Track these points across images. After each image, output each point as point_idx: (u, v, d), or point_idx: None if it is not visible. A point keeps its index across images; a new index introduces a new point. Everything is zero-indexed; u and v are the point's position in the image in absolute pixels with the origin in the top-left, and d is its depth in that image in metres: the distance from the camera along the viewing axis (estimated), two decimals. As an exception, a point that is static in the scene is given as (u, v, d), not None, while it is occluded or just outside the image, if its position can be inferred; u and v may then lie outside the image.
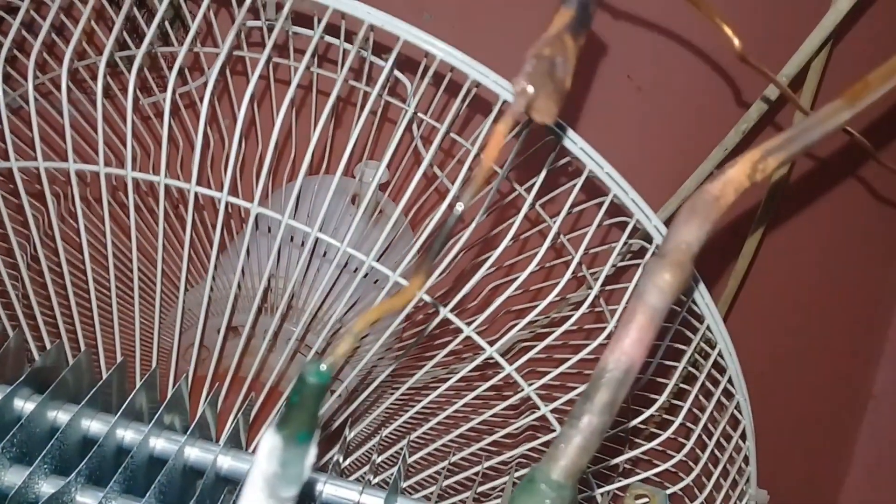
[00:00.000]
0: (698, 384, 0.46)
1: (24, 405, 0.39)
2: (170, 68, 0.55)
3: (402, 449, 0.41)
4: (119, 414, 0.39)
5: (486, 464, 0.44)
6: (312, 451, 0.20)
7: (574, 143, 0.42)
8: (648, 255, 0.45)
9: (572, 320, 0.42)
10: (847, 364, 0.98)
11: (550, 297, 0.40)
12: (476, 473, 0.43)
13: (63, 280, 0.42)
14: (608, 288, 0.47)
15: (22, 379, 0.40)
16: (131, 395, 0.41)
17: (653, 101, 0.75)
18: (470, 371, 0.41)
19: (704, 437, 0.47)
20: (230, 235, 0.60)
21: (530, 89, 0.24)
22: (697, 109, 0.77)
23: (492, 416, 0.42)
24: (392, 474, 0.42)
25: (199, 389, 0.50)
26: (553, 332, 0.42)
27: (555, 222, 0.43)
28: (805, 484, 1.06)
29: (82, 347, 0.45)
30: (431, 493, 0.39)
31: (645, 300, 0.24)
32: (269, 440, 0.20)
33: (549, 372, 0.44)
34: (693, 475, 0.45)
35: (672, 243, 0.24)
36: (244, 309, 0.59)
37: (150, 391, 0.43)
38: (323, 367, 0.19)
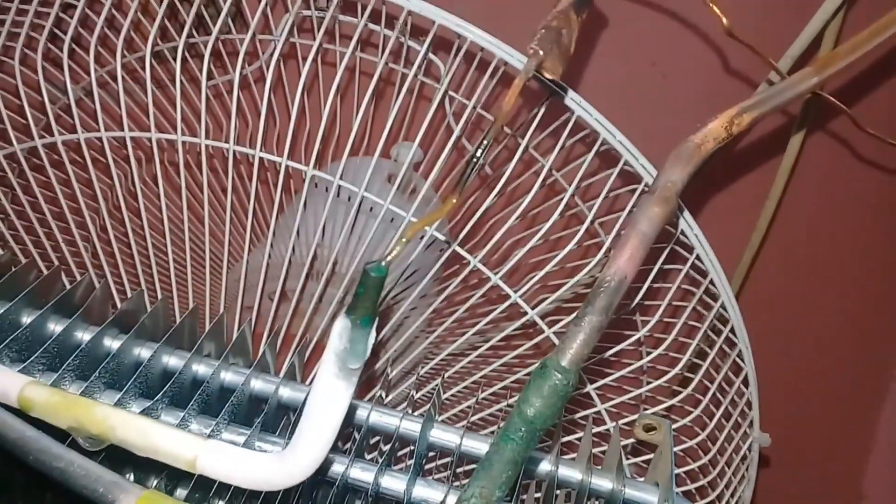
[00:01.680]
0: (700, 333, 0.51)
1: (112, 343, 0.46)
2: (230, 53, 0.61)
3: (436, 386, 0.46)
4: (193, 351, 0.46)
5: (511, 399, 0.49)
6: (373, 333, 0.26)
7: (576, 103, 0.47)
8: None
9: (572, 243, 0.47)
10: (868, 342, 0.99)
11: (569, 247, 0.46)
12: (500, 410, 0.48)
13: (143, 234, 0.48)
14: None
15: (109, 320, 0.46)
16: (203, 336, 0.47)
17: (677, 88, 0.79)
18: (498, 316, 0.46)
19: (707, 382, 0.52)
20: (280, 209, 0.66)
21: (540, 52, 0.29)
22: (721, 94, 0.79)
23: (514, 357, 0.48)
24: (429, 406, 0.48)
25: (257, 343, 0.56)
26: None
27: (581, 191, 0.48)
28: (827, 463, 1.07)
29: (159, 296, 0.51)
30: (463, 425, 0.45)
31: (637, 227, 0.29)
32: (339, 323, 0.26)
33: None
34: (694, 414, 0.50)
35: (660, 182, 0.30)
36: (293, 276, 0.65)
37: (218, 335, 0.49)
38: (383, 263, 0.25)
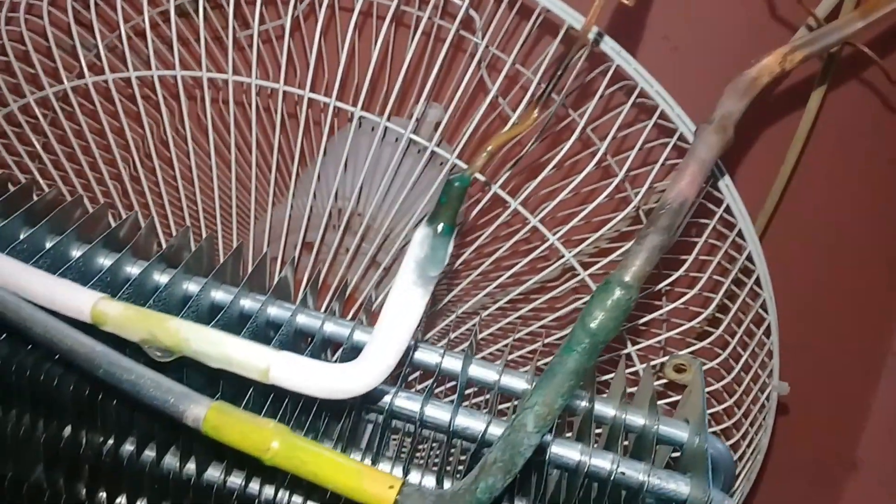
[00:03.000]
0: (728, 282, 0.52)
1: (161, 277, 0.47)
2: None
3: (474, 325, 0.48)
4: (241, 286, 0.47)
5: (547, 339, 0.51)
6: (452, 242, 0.28)
7: (616, 52, 0.48)
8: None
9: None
10: (873, 309, 1.00)
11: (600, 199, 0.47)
12: (533, 351, 0.50)
13: (191, 173, 0.49)
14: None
15: (158, 255, 0.47)
16: (247, 275, 0.48)
17: (689, 61, 0.80)
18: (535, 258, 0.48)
19: (730, 331, 0.54)
20: (304, 157, 0.67)
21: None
22: (734, 66, 0.80)
23: (549, 299, 0.49)
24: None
25: (297, 288, 0.58)
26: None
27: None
28: (823, 431, 1.09)
29: (203, 234, 0.52)
30: (501, 362, 0.47)
31: (696, 154, 0.31)
32: (421, 231, 0.27)
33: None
34: (718, 360, 0.51)
35: (718, 112, 0.31)
36: (319, 227, 0.67)
37: (261, 275, 0.50)
38: (467, 173, 0.26)
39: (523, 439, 0.30)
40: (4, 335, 0.44)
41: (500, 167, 0.50)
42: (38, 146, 0.58)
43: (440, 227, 0.27)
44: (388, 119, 0.48)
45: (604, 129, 0.50)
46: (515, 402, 0.51)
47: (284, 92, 0.46)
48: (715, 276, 0.54)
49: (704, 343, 0.53)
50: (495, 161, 0.57)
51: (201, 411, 0.33)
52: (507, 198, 0.47)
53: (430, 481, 0.44)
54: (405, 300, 0.28)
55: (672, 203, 0.30)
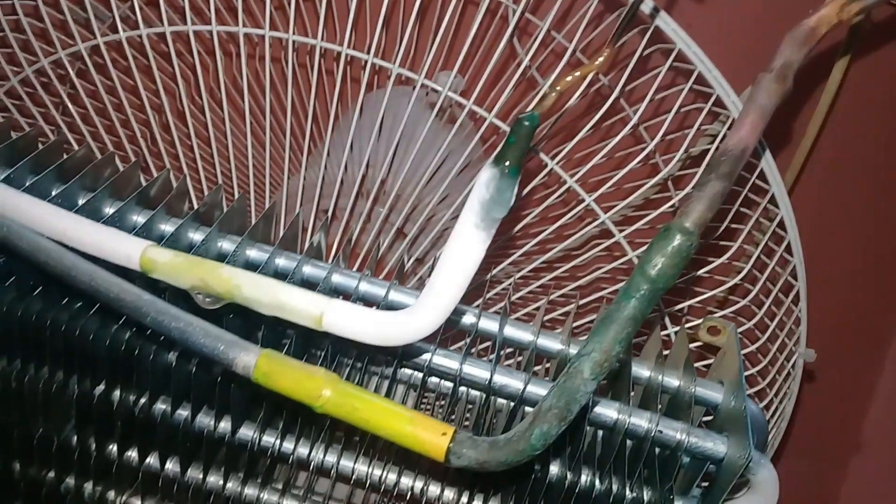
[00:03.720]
0: (761, 247, 0.52)
1: (195, 234, 0.47)
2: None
3: (508, 285, 0.48)
4: (275, 246, 0.47)
5: (581, 301, 0.51)
6: (517, 184, 0.27)
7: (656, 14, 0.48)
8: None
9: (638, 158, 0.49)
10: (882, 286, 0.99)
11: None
12: (566, 313, 0.50)
13: (225, 128, 0.49)
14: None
15: (193, 212, 0.47)
16: (281, 236, 0.48)
17: (719, 13, 0.78)
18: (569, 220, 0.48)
19: (762, 295, 0.54)
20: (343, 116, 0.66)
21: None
22: (769, 18, 0.78)
23: (583, 261, 0.49)
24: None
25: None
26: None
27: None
28: (826, 410, 1.09)
29: (236, 194, 0.52)
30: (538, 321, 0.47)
31: (756, 101, 0.30)
32: (486, 172, 0.27)
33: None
34: (754, 320, 0.52)
35: (778, 61, 0.31)
36: (344, 195, 0.66)
37: (293, 235, 0.50)
38: (536, 111, 0.26)
39: (580, 386, 0.30)
40: (40, 289, 0.44)
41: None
42: (66, 101, 0.58)
43: (507, 167, 0.27)
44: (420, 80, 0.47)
45: (639, 94, 0.50)
46: (547, 366, 0.51)
47: (323, 48, 0.45)
48: (745, 245, 0.54)
49: (739, 304, 0.53)
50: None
51: (251, 359, 0.33)
52: (545, 158, 0.47)
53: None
54: (466, 243, 0.28)
55: (733, 150, 0.30)
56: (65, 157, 0.48)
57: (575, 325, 0.52)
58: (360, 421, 0.32)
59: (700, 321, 0.47)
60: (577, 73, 0.29)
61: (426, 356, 0.42)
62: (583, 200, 0.47)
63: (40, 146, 0.49)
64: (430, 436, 0.32)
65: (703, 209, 0.29)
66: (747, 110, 0.30)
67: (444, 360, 0.43)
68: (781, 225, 0.51)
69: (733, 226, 0.54)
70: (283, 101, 0.52)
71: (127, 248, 0.34)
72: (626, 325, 0.30)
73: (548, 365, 0.50)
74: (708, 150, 0.52)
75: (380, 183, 0.58)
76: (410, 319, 0.30)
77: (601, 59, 0.29)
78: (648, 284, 0.29)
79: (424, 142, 0.54)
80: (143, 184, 0.49)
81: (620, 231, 0.48)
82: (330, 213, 0.53)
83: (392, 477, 0.47)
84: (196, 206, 0.48)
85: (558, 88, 0.27)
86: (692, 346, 0.50)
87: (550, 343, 0.46)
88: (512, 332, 0.46)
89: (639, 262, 0.30)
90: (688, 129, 0.49)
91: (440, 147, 0.55)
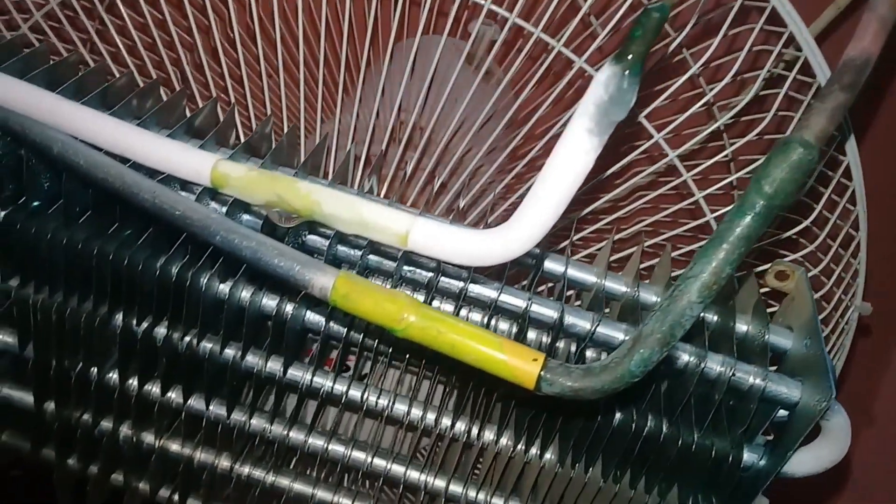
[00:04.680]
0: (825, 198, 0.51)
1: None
2: None
3: (571, 222, 0.46)
4: (330, 181, 0.45)
5: (648, 242, 0.50)
6: (639, 84, 0.25)
7: None
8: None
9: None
10: None
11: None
12: (622, 259, 0.49)
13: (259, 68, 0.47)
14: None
15: (244, 143, 0.45)
16: (333, 176, 0.46)
17: None
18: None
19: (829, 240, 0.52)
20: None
21: None
22: None
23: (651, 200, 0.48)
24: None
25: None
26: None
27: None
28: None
29: (285, 128, 0.50)
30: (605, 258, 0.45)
31: (878, 11, 0.29)
32: (606, 70, 0.25)
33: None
34: (820, 267, 0.50)
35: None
36: (378, 141, 0.65)
37: (343, 174, 0.48)
38: (666, 2, 0.24)
39: (685, 310, 0.29)
40: (88, 214, 0.42)
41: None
42: (112, 28, 0.56)
43: (630, 64, 0.25)
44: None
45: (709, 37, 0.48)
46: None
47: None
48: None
49: (800, 253, 0.51)
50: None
51: (329, 280, 0.31)
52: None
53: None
54: (575, 150, 0.26)
55: (856, 60, 0.28)
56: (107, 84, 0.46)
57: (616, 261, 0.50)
58: (444, 345, 0.30)
59: (767, 266, 0.46)
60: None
61: (492, 293, 0.41)
62: (651, 137, 0.45)
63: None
64: (521, 362, 0.30)
65: (824, 122, 0.28)
66: (869, 20, 0.28)
67: (511, 298, 0.41)
68: (848, 173, 0.50)
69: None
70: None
71: (196, 162, 0.32)
72: (739, 244, 0.28)
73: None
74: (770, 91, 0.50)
75: (411, 128, 0.56)
76: (507, 235, 0.29)
77: None
78: (764, 200, 0.28)
79: (456, 88, 0.52)
80: (188, 115, 0.47)
81: (688, 171, 0.47)
82: (385, 143, 0.51)
83: (445, 422, 0.45)
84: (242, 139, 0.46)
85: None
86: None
87: (616, 285, 0.44)
88: (575, 272, 0.44)
89: (753, 177, 0.28)
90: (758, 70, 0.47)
91: (470, 94, 0.53)
